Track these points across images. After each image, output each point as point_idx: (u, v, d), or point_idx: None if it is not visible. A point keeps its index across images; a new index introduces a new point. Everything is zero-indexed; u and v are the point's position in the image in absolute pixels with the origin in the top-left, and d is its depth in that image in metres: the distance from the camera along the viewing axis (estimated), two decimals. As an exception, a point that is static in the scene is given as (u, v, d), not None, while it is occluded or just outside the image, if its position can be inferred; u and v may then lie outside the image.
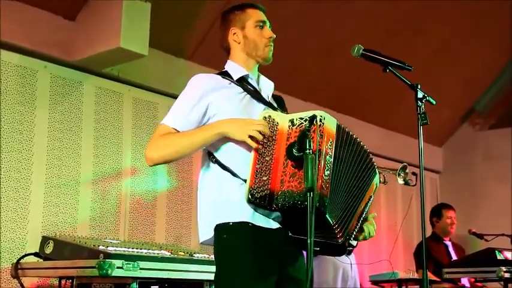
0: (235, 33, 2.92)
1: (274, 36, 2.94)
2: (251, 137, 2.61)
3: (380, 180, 5.11)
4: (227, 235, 2.68)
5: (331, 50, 6.39)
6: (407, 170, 4.55)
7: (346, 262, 5.18)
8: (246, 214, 2.66)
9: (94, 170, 5.13)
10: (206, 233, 2.76)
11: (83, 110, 5.13)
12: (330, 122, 2.66)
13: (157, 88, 5.61)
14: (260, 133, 2.61)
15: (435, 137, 8.52)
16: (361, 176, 2.81)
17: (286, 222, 2.67)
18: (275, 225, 2.70)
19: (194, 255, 4.09)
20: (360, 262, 6.83)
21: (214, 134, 2.70)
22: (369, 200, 2.85)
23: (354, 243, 2.83)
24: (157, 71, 5.56)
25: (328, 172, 2.59)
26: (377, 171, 2.88)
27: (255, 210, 2.64)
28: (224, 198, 2.71)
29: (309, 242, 2.33)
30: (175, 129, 2.74)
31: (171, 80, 5.48)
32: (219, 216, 2.71)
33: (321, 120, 2.60)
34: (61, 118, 4.98)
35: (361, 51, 2.97)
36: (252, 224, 2.66)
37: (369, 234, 2.89)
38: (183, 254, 4.07)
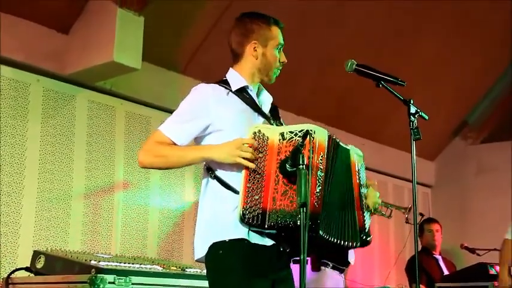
0: (255, 48, 2.89)
1: (286, 61, 2.95)
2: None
3: (385, 214, 5.34)
4: (222, 251, 2.69)
5: (323, 63, 6.41)
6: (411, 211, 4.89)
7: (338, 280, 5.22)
8: (242, 231, 2.66)
9: (86, 184, 5.12)
10: (202, 250, 2.76)
11: (76, 123, 5.12)
12: (321, 135, 2.66)
13: (150, 102, 5.60)
14: (251, 148, 2.62)
15: (427, 151, 8.54)
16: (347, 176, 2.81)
17: (280, 238, 2.68)
18: (270, 242, 2.70)
19: (186, 270, 4.07)
20: (353, 280, 6.85)
21: (201, 158, 2.75)
22: (359, 176, 2.83)
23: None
24: (150, 85, 5.55)
25: (320, 188, 2.60)
26: (347, 147, 2.84)
27: (249, 229, 2.65)
28: (221, 217, 2.71)
29: (301, 258, 2.33)
30: (170, 139, 2.75)
31: (164, 93, 5.48)
32: (215, 234, 2.71)
33: (311, 135, 2.61)
34: (53, 132, 4.97)
35: (354, 66, 2.98)
36: (248, 241, 2.67)
37: (374, 206, 2.91)
38: (175, 268, 4.05)
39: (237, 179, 2.69)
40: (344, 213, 2.74)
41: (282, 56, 2.94)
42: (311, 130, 2.61)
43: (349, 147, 2.83)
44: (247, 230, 2.65)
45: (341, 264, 5.18)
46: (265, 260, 2.70)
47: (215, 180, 2.76)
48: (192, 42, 5.65)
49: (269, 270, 2.71)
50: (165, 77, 5.67)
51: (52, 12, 4.90)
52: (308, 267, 5.01)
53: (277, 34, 2.93)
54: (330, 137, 2.71)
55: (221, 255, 2.68)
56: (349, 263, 5.23)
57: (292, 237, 2.57)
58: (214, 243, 2.71)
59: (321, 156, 2.63)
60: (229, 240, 2.67)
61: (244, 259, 2.66)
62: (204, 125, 2.77)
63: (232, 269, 2.66)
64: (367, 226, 2.81)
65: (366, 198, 2.86)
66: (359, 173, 2.83)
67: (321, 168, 2.62)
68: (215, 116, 2.76)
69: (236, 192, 2.69)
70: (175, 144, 2.76)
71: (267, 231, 2.63)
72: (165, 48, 5.56)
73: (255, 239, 2.68)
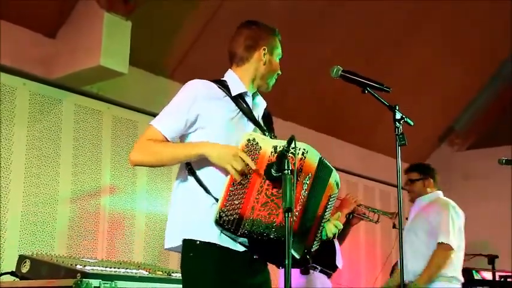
0: (265, 53, 2.93)
1: (281, 73, 3.02)
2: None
3: (372, 220, 5.41)
4: (193, 254, 2.69)
5: (312, 70, 6.43)
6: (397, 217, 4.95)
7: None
8: (214, 234, 2.66)
9: (72, 188, 5.10)
10: (172, 241, 2.77)
11: (62, 127, 5.11)
12: (312, 156, 2.65)
13: (137, 106, 5.60)
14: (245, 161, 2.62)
15: (414, 156, 8.54)
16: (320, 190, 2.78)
17: (253, 247, 2.68)
18: (242, 247, 2.70)
19: (172, 274, 4.06)
20: (340, 284, 6.87)
21: (197, 154, 2.71)
22: (328, 202, 2.80)
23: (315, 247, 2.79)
24: (137, 89, 5.55)
25: (301, 207, 2.61)
26: (331, 168, 2.80)
27: (221, 232, 2.64)
28: (194, 215, 2.71)
29: (286, 262, 2.33)
30: (161, 133, 2.75)
31: (151, 98, 5.48)
32: (187, 231, 2.72)
33: (303, 154, 2.61)
34: (40, 136, 4.95)
35: (339, 72, 3.00)
36: (219, 245, 2.67)
37: (326, 234, 2.84)
38: (161, 273, 4.04)
39: (213, 180, 2.70)
40: (304, 230, 2.71)
41: (279, 67, 3.00)
42: (304, 149, 2.61)
43: (332, 168, 2.80)
44: (219, 233, 2.64)
45: (329, 268, 5.19)
46: (238, 266, 2.69)
47: (191, 176, 2.76)
48: (180, 47, 5.66)
49: (241, 275, 2.71)
50: (152, 81, 5.67)
51: (39, 16, 4.89)
52: (297, 270, 5.02)
53: (279, 46, 3.00)
54: (320, 160, 2.70)
55: (192, 257, 2.69)
56: (337, 267, 5.25)
57: (264, 248, 2.61)
58: (184, 240, 2.71)
59: (308, 177, 2.64)
60: (200, 242, 2.67)
61: (215, 264, 2.66)
62: (194, 116, 2.75)
63: (203, 273, 2.67)
64: (313, 249, 2.76)
65: (325, 224, 2.82)
66: (329, 199, 2.80)
67: (305, 189, 2.63)
68: (204, 110, 2.75)
69: (208, 192, 2.70)
70: (166, 138, 2.76)
71: (239, 238, 2.63)
72: (153, 53, 5.56)
73: (227, 243, 2.67)
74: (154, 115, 2.87)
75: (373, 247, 7.85)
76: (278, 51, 2.98)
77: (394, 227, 5.79)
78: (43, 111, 5.01)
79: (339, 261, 5.27)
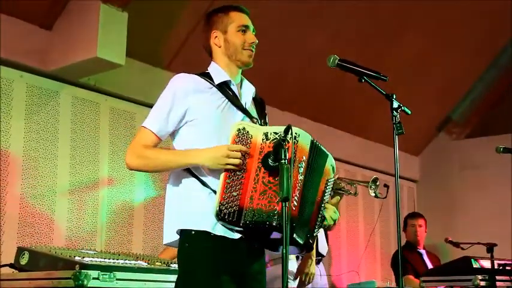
0: (216, 37, 2.92)
1: (257, 41, 2.94)
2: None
3: (351, 192, 5.03)
4: (188, 243, 2.72)
5: (308, 59, 6.42)
6: (378, 183, 4.51)
7: (316, 273, 5.14)
8: (208, 223, 2.67)
9: (70, 180, 5.10)
10: (170, 236, 2.80)
11: (60, 119, 5.10)
12: (303, 139, 2.68)
13: (134, 98, 5.59)
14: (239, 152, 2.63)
15: (412, 146, 8.58)
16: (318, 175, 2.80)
17: (250, 236, 2.69)
18: (237, 235, 2.70)
19: (171, 265, 4.07)
20: (337, 269, 6.85)
21: (188, 164, 2.75)
22: (326, 187, 2.82)
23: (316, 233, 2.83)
24: (135, 81, 5.54)
25: (299, 191, 2.63)
26: (327, 153, 2.83)
27: (223, 225, 2.65)
28: (190, 206, 2.73)
29: (284, 251, 2.34)
30: (155, 134, 2.78)
31: (149, 89, 5.46)
32: (183, 222, 2.74)
33: (295, 138, 2.61)
34: (37, 128, 4.95)
35: (336, 61, 3.00)
36: (214, 234, 2.68)
37: (328, 220, 2.87)
38: (160, 264, 4.04)
39: (207, 172, 2.72)
40: (305, 214, 2.74)
41: (248, 36, 2.92)
42: (295, 133, 2.62)
43: (328, 153, 2.83)
44: (214, 222, 2.65)
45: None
46: (233, 254, 2.71)
47: (186, 170, 2.77)
48: (177, 38, 5.64)
49: (237, 264, 2.72)
50: (150, 73, 5.65)
51: (35, 8, 4.87)
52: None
53: (237, 17, 2.93)
54: (312, 141, 2.72)
55: (188, 247, 2.71)
56: (322, 254, 5.19)
57: (263, 237, 2.63)
58: (180, 231, 2.74)
59: (303, 161, 2.65)
60: (195, 231, 2.69)
61: (210, 253, 2.68)
62: (182, 112, 2.78)
63: (198, 262, 2.69)
64: (315, 234, 2.80)
65: (324, 211, 2.85)
66: (326, 183, 2.83)
67: (300, 172, 2.64)
68: (192, 103, 2.78)
69: (203, 182, 2.72)
70: (158, 137, 2.79)
71: (240, 229, 2.64)
72: (149, 44, 5.55)
73: (222, 231, 2.68)
74: (151, 106, 2.88)
75: (371, 238, 7.83)
76: (235, 25, 2.91)
77: (376, 196, 5.47)
78: (40, 104, 5.00)
79: (323, 248, 5.18)
